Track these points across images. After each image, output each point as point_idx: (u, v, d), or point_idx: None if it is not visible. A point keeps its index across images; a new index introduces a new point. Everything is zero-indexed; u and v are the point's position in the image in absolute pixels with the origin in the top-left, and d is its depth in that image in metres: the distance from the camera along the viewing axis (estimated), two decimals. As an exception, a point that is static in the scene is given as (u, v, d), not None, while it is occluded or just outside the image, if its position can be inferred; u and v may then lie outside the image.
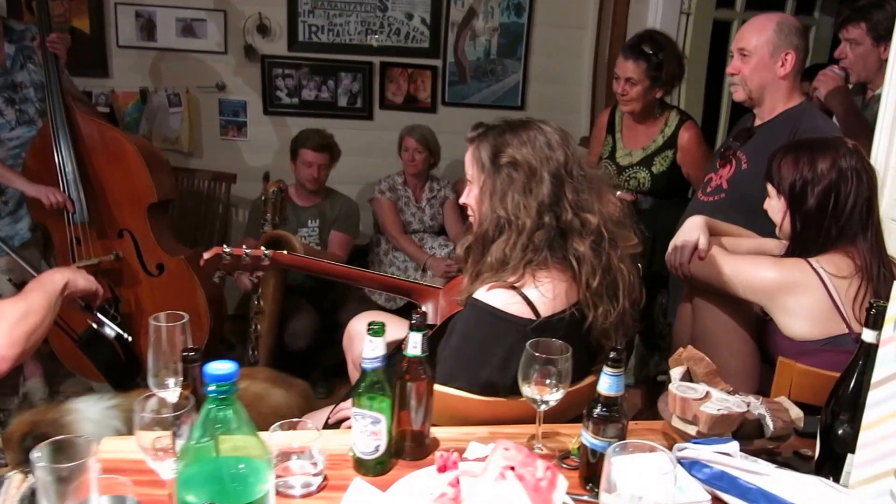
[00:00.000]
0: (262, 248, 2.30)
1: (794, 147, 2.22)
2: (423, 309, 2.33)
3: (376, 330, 1.58)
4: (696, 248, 2.35)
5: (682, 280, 2.41)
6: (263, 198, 3.94)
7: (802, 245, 2.19)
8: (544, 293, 1.85)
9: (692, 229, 2.38)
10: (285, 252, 2.36)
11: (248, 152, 4.70)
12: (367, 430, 1.59)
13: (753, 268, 2.21)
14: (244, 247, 2.43)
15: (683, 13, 4.30)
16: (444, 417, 1.82)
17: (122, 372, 3.51)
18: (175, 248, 3.78)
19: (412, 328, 1.63)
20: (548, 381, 1.64)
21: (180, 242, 3.93)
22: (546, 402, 1.66)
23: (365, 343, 1.59)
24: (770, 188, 2.25)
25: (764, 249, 2.44)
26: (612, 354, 1.54)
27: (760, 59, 2.81)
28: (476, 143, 1.95)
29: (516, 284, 1.84)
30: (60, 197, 3.50)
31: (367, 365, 1.59)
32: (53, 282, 1.90)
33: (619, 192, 3.44)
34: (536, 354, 1.64)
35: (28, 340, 1.76)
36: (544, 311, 1.84)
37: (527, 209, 1.85)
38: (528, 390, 1.65)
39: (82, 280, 1.99)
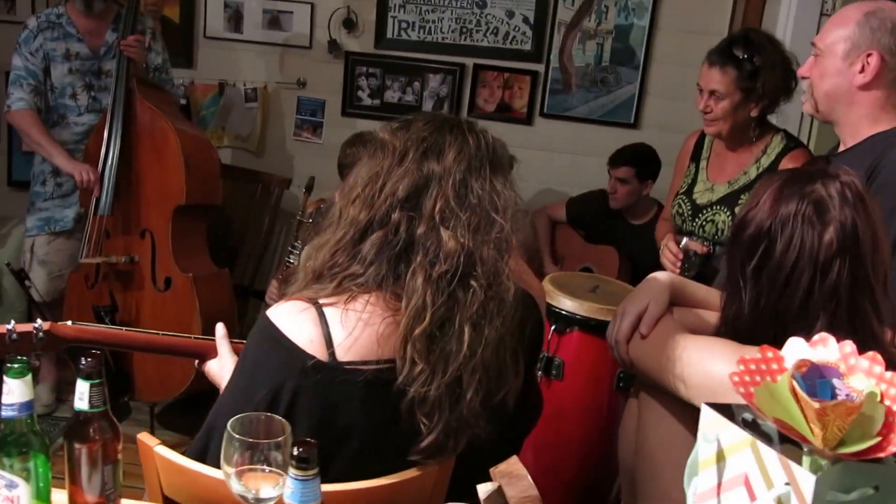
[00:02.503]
0: (38, 320, 1.77)
1: (789, 175, 1.53)
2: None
3: (15, 370, 1.22)
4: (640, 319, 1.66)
5: (622, 365, 1.72)
6: (298, 219, 3.48)
7: (731, 319, 1.51)
8: (348, 327, 1.30)
9: (645, 292, 1.68)
10: (69, 323, 1.76)
11: (318, 156, 4.35)
12: (-1, 495, 1.20)
13: (705, 356, 1.48)
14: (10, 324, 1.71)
15: (825, 14, 3.51)
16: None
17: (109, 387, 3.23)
18: (191, 263, 3.41)
19: (80, 375, 1.25)
20: (266, 469, 1.16)
21: (209, 256, 3.57)
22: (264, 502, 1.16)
23: None
24: None
25: None
26: (297, 450, 1.06)
27: (831, 59, 2.06)
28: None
29: (321, 300, 1.32)
30: (93, 175, 3.33)
31: (3, 413, 1.24)
32: None
33: (685, 240, 2.69)
34: (234, 435, 1.17)
35: None
36: (342, 351, 1.30)
37: (371, 195, 1.33)
38: (236, 485, 1.18)
39: None
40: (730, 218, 2.67)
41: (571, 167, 4.25)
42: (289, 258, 3.42)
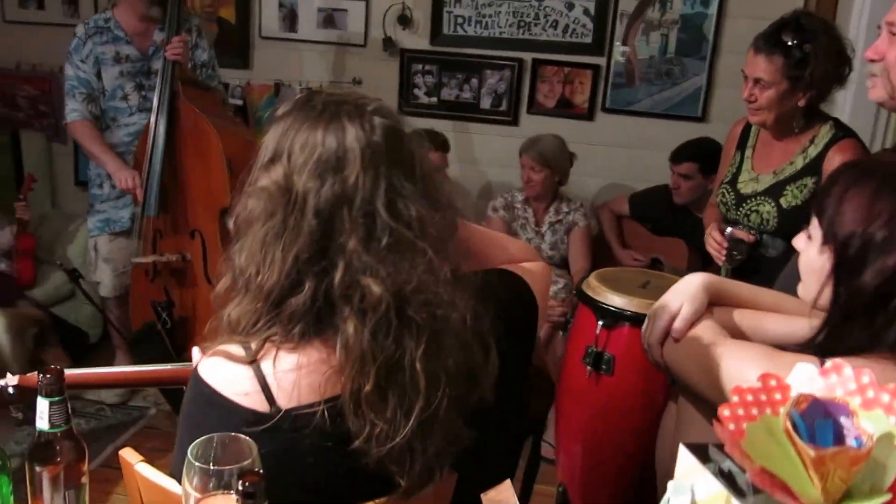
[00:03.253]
0: (8, 375, 1.71)
1: (881, 174, 1.33)
2: None
3: None
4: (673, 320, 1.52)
5: (657, 368, 1.57)
6: None
7: (834, 336, 1.33)
8: (285, 376, 1.16)
9: (679, 292, 1.54)
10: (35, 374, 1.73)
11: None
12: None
13: (737, 362, 1.34)
14: None
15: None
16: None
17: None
18: None
19: (40, 392, 1.19)
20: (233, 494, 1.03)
21: None
22: None
23: None
24: (814, 225, 1.39)
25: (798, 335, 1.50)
26: (242, 485, 0.96)
27: None
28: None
29: (255, 354, 1.18)
30: (132, 182, 3.34)
31: None
32: None
33: (730, 229, 2.54)
34: (194, 462, 1.08)
35: None
36: (283, 399, 1.16)
37: (272, 262, 1.16)
38: None
39: None
40: (775, 209, 2.51)
41: (634, 162, 4.06)
42: None
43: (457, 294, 1.18)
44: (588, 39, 4.02)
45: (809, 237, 1.39)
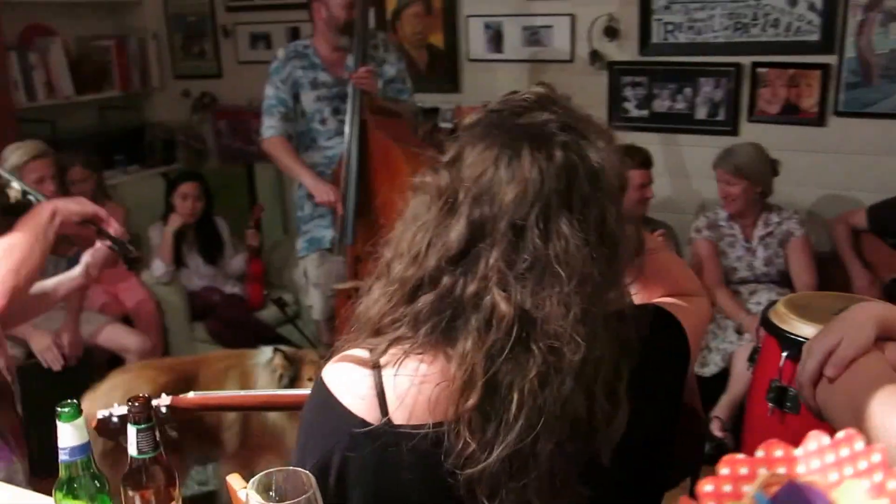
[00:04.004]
0: (163, 395, 1.78)
1: None
2: None
3: (66, 414, 1.21)
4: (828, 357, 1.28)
5: (812, 412, 1.33)
6: None
7: None
8: (402, 390, 1.13)
9: (838, 326, 1.30)
10: (191, 394, 1.79)
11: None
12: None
13: (890, 408, 1.11)
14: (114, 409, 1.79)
15: None
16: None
17: None
18: None
19: (130, 421, 1.22)
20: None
21: None
22: None
23: None
24: None
25: None
26: None
27: None
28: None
29: (379, 359, 1.15)
30: (333, 196, 3.45)
31: (59, 457, 1.23)
32: (38, 213, 1.85)
33: None
34: (254, 497, 1.05)
35: (17, 275, 1.75)
36: (398, 415, 1.13)
37: (417, 251, 1.15)
38: None
39: (73, 204, 1.92)
40: None
41: (871, 170, 3.63)
42: None
43: (588, 335, 1.09)
44: (815, 37, 3.65)
45: None
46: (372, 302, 1.20)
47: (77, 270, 2.14)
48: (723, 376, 3.28)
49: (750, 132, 3.82)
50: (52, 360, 3.43)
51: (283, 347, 2.77)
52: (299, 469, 1.09)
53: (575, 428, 1.10)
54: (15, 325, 2.58)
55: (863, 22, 3.56)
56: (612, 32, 3.96)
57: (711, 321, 3.43)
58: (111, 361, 3.79)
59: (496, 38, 4.25)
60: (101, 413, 1.64)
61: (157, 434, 1.23)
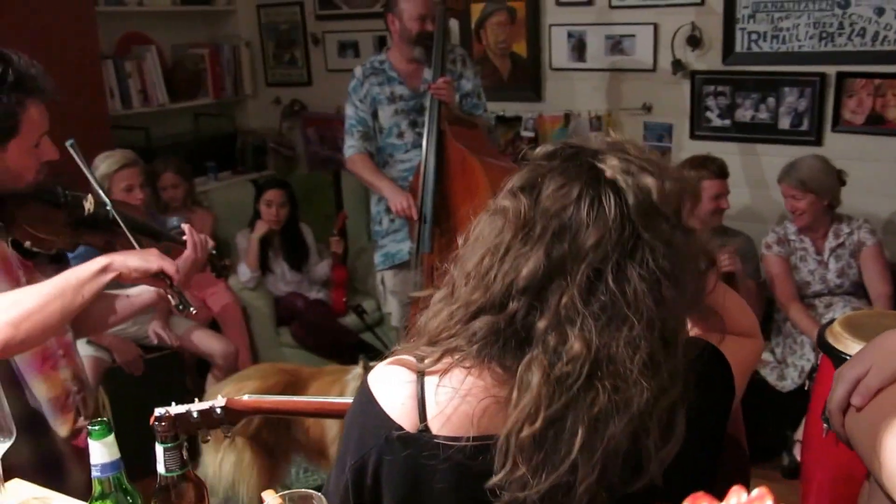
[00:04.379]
0: (220, 397, 1.86)
1: None
2: None
3: (96, 432, 1.27)
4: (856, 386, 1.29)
5: (842, 441, 1.35)
6: None
7: None
8: (444, 399, 1.18)
9: (868, 354, 1.31)
10: (245, 397, 1.87)
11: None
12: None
13: None
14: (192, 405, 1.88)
15: None
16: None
17: None
18: None
19: (157, 439, 1.26)
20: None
21: None
22: None
23: None
24: None
25: None
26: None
27: None
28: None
29: (427, 367, 1.20)
30: (407, 203, 3.52)
31: (93, 472, 1.30)
32: (88, 265, 1.75)
33: None
34: None
35: (14, 329, 1.64)
36: (435, 424, 1.18)
37: (485, 274, 1.17)
38: None
39: (135, 260, 1.78)
40: None
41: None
42: None
43: (654, 377, 1.13)
44: (903, 46, 3.62)
45: None
46: (433, 314, 1.24)
47: None
48: (802, 393, 3.28)
49: (834, 142, 3.80)
50: (134, 368, 3.59)
51: (366, 358, 2.88)
52: (312, 492, 1.17)
53: (625, 461, 1.13)
54: (88, 333, 2.59)
55: (953, 31, 3.51)
56: (694, 41, 3.98)
57: (788, 336, 3.44)
58: (200, 365, 3.98)
59: (579, 47, 4.30)
60: (158, 411, 1.70)
61: (185, 453, 1.27)
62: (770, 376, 3.36)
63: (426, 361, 1.20)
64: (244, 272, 4.21)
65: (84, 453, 1.32)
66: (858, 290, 3.45)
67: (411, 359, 1.23)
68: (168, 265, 1.82)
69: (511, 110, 4.48)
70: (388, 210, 3.71)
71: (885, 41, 3.63)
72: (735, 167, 3.89)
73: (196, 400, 1.89)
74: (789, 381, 3.31)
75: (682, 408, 1.17)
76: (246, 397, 1.91)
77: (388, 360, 1.27)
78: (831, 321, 1.99)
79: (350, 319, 4.38)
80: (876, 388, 1.26)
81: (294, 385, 2.85)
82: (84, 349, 3.29)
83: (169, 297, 1.87)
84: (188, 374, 3.98)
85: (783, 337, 3.46)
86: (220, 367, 3.81)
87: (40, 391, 1.94)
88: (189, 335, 3.86)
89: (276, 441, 2.90)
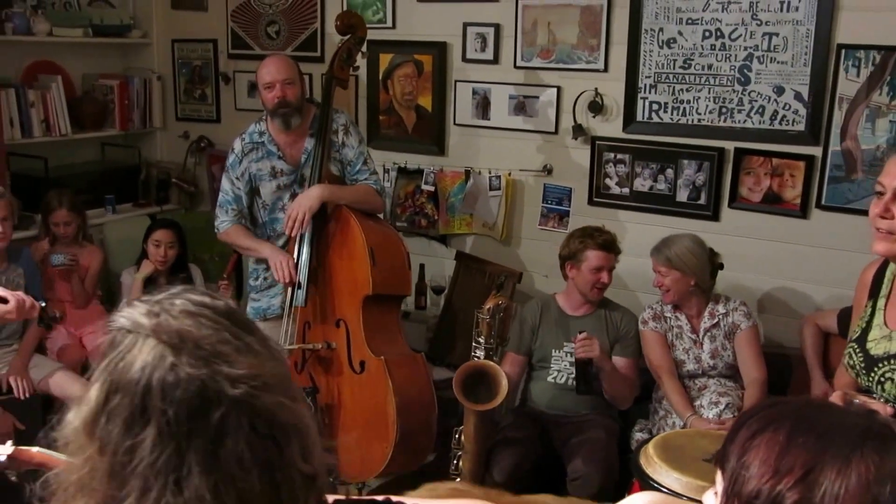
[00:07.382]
0: (8, 443, 1.78)
1: (794, 418, 1.03)
2: None
3: None
4: None
5: None
6: (477, 314, 3.37)
7: None
8: None
9: None
10: (34, 448, 1.75)
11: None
12: None
13: None
14: None
15: None
16: None
17: None
18: (383, 347, 3.43)
19: None
20: None
21: (404, 341, 3.58)
22: None
23: None
24: (718, 478, 1.07)
25: None
26: None
27: None
28: None
29: None
30: (287, 267, 3.42)
31: None
32: None
33: (857, 400, 1.94)
34: None
35: None
36: None
37: None
38: None
39: None
40: None
41: (853, 268, 3.47)
42: (474, 352, 3.36)
43: None
44: (801, 127, 3.54)
45: (716, 493, 1.06)
46: None
47: None
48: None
49: (731, 219, 3.72)
50: None
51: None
52: None
53: None
54: None
55: (849, 116, 3.45)
56: (596, 107, 3.89)
57: (663, 418, 3.31)
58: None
59: (483, 105, 4.20)
60: None
61: None
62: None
63: None
64: (126, 312, 4.02)
65: None
66: (733, 373, 3.34)
67: None
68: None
69: (413, 162, 4.36)
70: (267, 268, 3.61)
71: (783, 120, 3.57)
72: (632, 236, 3.81)
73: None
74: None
75: None
76: (35, 450, 1.79)
77: None
78: (648, 439, 1.87)
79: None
80: None
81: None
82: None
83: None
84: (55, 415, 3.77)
85: (658, 418, 3.33)
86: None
87: None
88: (49, 379, 3.67)
89: None
